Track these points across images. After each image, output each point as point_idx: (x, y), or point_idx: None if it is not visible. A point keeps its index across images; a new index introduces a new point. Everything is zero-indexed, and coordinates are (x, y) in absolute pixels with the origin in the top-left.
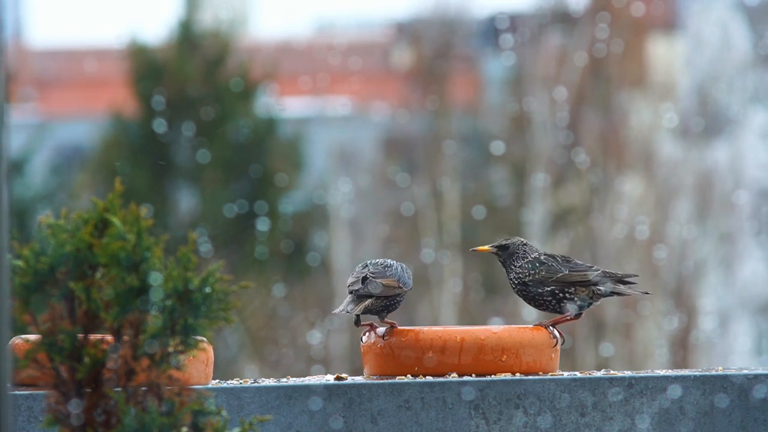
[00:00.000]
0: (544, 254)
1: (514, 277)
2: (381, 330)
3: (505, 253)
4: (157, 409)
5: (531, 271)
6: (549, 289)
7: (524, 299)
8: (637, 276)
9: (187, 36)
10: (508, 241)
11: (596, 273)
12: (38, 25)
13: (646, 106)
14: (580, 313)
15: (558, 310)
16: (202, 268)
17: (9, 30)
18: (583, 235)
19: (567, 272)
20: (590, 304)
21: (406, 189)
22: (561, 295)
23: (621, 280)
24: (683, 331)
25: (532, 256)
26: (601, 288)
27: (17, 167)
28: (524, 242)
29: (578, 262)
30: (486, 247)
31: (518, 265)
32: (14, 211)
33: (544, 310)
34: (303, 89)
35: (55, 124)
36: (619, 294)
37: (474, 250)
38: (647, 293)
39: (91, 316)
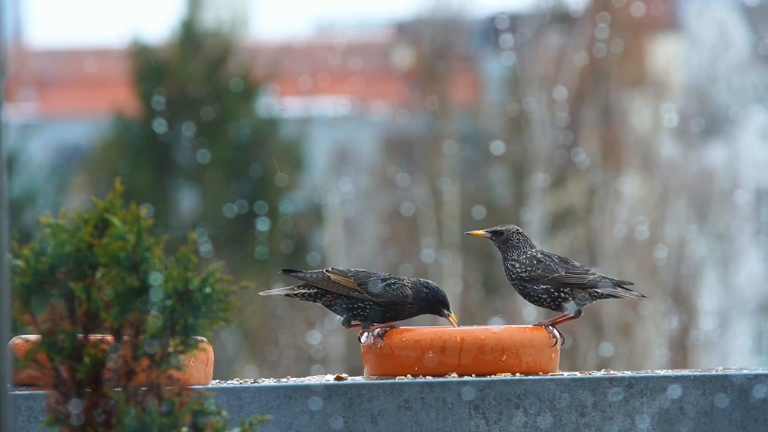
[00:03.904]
0: (541, 252)
1: (511, 268)
2: (378, 330)
3: (500, 239)
4: (157, 409)
5: (528, 268)
6: (544, 287)
7: (520, 294)
8: (632, 284)
9: (188, 36)
10: (503, 228)
11: (593, 277)
12: (38, 25)
13: (646, 106)
14: (580, 312)
15: (554, 307)
16: (203, 268)
17: (9, 30)
18: (582, 235)
19: (563, 273)
20: (588, 302)
21: (405, 189)
22: (556, 293)
23: (617, 286)
24: (683, 331)
25: (529, 252)
26: (598, 290)
27: (8, 165)
28: (519, 230)
29: (576, 264)
30: (481, 232)
31: (514, 258)
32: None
33: (540, 306)
34: (303, 89)
35: (55, 123)
36: (615, 296)
37: (468, 234)
38: (644, 296)
39: (91, 316)
